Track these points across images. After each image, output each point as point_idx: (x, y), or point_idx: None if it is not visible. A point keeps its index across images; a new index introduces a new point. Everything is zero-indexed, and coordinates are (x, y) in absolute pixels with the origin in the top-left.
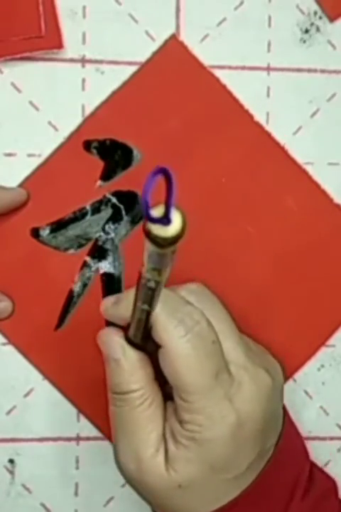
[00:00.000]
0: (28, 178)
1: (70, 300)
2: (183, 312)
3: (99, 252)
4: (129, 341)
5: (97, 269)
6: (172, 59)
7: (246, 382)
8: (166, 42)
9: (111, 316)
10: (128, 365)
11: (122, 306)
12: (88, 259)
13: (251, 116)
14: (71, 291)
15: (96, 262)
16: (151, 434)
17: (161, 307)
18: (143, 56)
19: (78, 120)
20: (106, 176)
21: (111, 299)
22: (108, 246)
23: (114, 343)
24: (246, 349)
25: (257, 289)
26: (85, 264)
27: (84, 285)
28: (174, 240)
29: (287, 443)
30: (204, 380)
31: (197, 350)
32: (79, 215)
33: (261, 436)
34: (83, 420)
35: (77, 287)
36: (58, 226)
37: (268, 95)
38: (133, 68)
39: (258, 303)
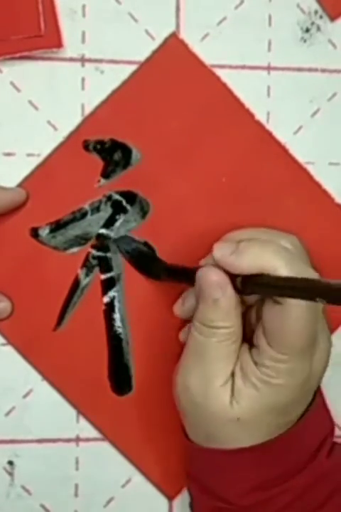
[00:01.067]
0: (27, 178)
1: (69, 300)
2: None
3: (98, 252)
4: (236, 289)
5: (96, 270)
6: (173, 57)
7: (321, 343)
8: (166, 40)
9: (230, 264)
10: (225, 305)
11: (245, 256)
12: (88, 259)
13: (251, 116)
14: (70, 292)
15: (95, 262)
16: (226, 366)
17: (290, 268)
18: (143, 55)
19: (78, 119)
20: (106, 175)
21: (230, 247)
22: (107, 246)
23: (214, 283)
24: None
25: None
26: (85, 264)
27: (84, 285)
28: None
29: (320, 402)
30: (307, 343)
31: (313, 316)
32: (78, 215)
33: (313, 391)
34: (82, 421)
35: (75, 287)
36: (58, 226)
37: (268, 95)
38: (133, 67)
39: None
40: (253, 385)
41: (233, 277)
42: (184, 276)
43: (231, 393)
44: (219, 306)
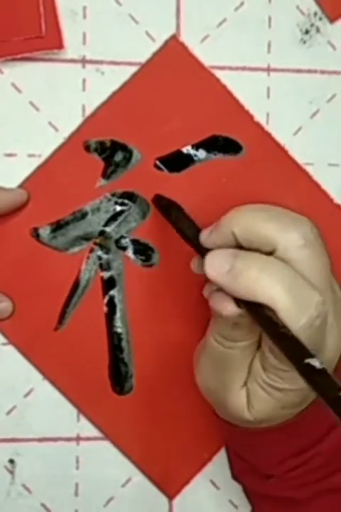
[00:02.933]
0: (28, 179)
1: (70, 300)
2: (305, 301)
3: (99, 252)
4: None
5: (97, 269)
6: (173, 59)
7: (330, 342)
8: (166, 42)
9: (223, 285)
10: (246, 324)
11: (241, 281)
12: (88, 259)
13: (251, 117)
14: (71, 291)
15: (96, 262)
16: (243, 372)
17: (288, 296)
18: (144, 57)
19: (78, 120)
20: (106, 176)
21: (225, 265)
22: (108, 246)
23: (231, 314)
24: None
25: None
26: (85, 264)
27: (84, 285)
28: None
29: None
30: None
31: (314, 331)
32: (79, 216)
33: None
34: (83, 420)
35: (76, 287)
36: (58, 226)
37: (268, 96)
38: (134, 69)
39: None
40: (263, 389)
41: None
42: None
43: (246, 397)
44: (240, 327)
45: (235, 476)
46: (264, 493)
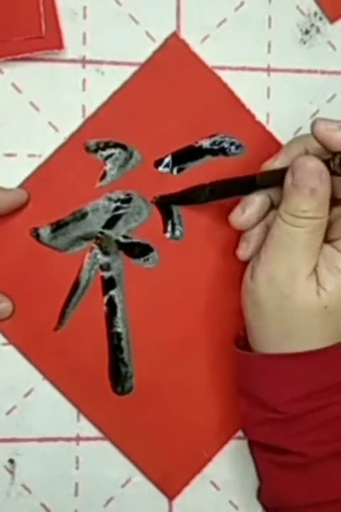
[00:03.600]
0: (28, 179)
1: (70, 300)
2: None
3: (99, 252)
4: (331, 171)
5: (97, 270)
6: (173, 58)
7: None
8: (167, 40)
9: (332, 137)
10: (322, 195)
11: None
12: (88, 259)
13: (252, 116)
14: (71, 291)
15: (96, 262)
16: (313, 256)
17: None
18: (144, 57)
19: (78, 121)
20: (107, 176)
21: (334, 124)
22: (108, 246)
23: (315, 169)
24: None
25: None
26: (85, 264)
27: (84, 285)
28: None
29: None
30: None
31: None
32: (79, 216)
33: None
34: (83, 420)
35: (76, 287)
36: (58, 226)
37: (268, 96)
38: (134, 69)
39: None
40: (339, 271)
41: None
42: (241, 186)
43: (316, 283)
44: (317, 196)
45: (248, 434)
46: (278, 445)
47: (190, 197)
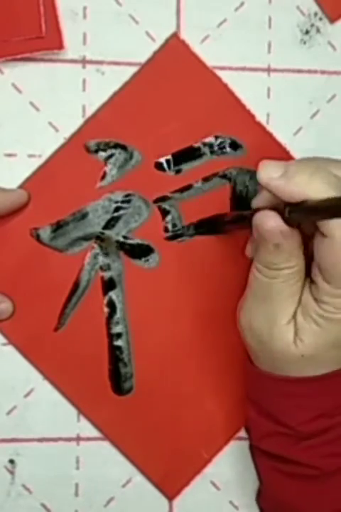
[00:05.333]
0: (28, 179)
1: (70, 300)
2: None
3: (99, 253)
4: (285, 220)
5: (97, 270)
6: (174, 58)
7: None
8: (167, 41)
9: (276, 188)
10: (288, 247)
11: (293, 183)
12: (88, 259)
13: (252, 117)
14: (71, 292)
15: (96, 262)
16: (290, 305)
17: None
18: (144, 57)
19: (79, 121)
20: (107, 176)
21: (278, 170)
22: (108, 246)
23: (273, 228)
24: None
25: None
26: (85, 265)
27: (84, 286)
28: None
29: None
30: None
31: None
32: (79, 216)
33: None
34: (83, 420)
35: (76, 287)
36: (58, 227)
37: (268, 96)
38: (134, 69)
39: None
40: (315, 322)
41: (277, 207)
42: (242, 221)
43: (294, 331)
44: (282, 250)
45: (255, 443)
46: (289, 456)
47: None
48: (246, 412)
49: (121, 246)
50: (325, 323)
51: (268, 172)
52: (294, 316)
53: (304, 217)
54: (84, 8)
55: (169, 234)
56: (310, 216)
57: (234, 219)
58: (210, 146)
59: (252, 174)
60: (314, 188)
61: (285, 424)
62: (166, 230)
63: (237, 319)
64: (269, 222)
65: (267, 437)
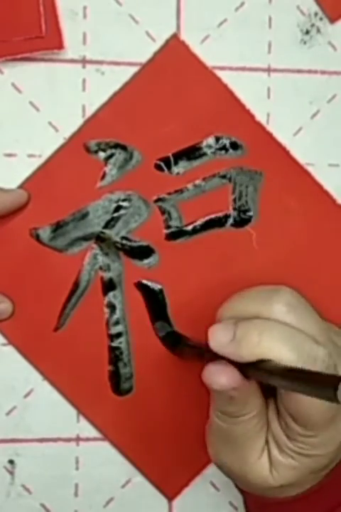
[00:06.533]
0: (28, 179)
1: (70, 301)
2: (310, 355)
3: (99, 253)
4: (239, 369)
5: (97, 270)
6: (174, 59)
7: None
8: (167, 41)
9: (228, 354)
10: (243, 398)
11: (244, 346)
12: (88, 260)
13: (252, 117)
14: (71, 292)
15: (96, 263)
16: (257, 442)
17: (292, 349)
18: (144, 57)
19: (79, 121)
20: (107, 176)
21: (227, 335)
22: (108, 246)
23: (225, 386)
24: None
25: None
26: (85, 265)
27: (84, 286)
28: None
29: None
30: (327, 417)
31: None
32: (79, 216)
33: None
34: (83, 421)
35: (76, 288)
36: (58, 227)
37: (268, 96)
38: (134, 69)
39: None
40: (290, 456)
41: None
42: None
43: (269, 463)
44: (237, 401)
45: None
46: None
47: None
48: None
49: (121, 246)
50: (302, 457)
51: (218, 338)
52: (266, 448)
53: (264, 378)
54: (84, 8)
55: (169, 231)
56: (270, 379)
57: (191, 350)
58: (210, 146)
59: (252, 175)
60: (266, 347)
61: None
62: (166, 229)
63: (207, 448)
64: (220, 379)
65: None
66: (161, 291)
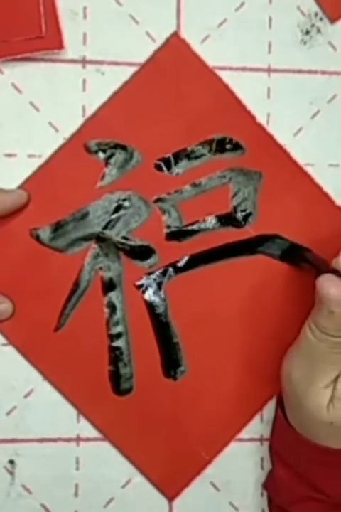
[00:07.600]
0: (28, 179)
1: (70, 301)
2: None
3: (99, 253)
4: None
5: (97, 270)
6: (174, 58)
7: None
8: (168, 40)
9: None
10: (340, 319)
11: None
12: (88, 260)
13: (252, 117)
14: (71, 292)
15: (96, 263)
16: (332, 371)
17: None
18: (144, 57)
19: (79, 121)
20: (107, 176)
21: None
22: (108, 247)
23: (332, 296)
24: None
25: (257, 290)
26: (85, 265)
27: (84, 286)
28: None
29: None
30: None
31: None
32: (79, 216)
33: None
34: (83, 421)
35: (76, 288)
36: (58, 227)
37: (268, 96)
38: (134, 69)
39: (259, 304)
40: None
41: None
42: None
43: (330, 396)
44: (334, 318)
45: (286, 507)
46: None
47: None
48: (275, 473)
49: (121, 246)
50: None
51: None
52: (334, 382)
53: None
54: (84, 8)
55: (169, 231)
56: None
57: (311, 260)
58: (210, 146)
59: (252, 175)
60: None
61: (322, 491)
62: (167, 229)
63: (281, 365)
64: (330, 288)
65: (300, 502)
66: None
